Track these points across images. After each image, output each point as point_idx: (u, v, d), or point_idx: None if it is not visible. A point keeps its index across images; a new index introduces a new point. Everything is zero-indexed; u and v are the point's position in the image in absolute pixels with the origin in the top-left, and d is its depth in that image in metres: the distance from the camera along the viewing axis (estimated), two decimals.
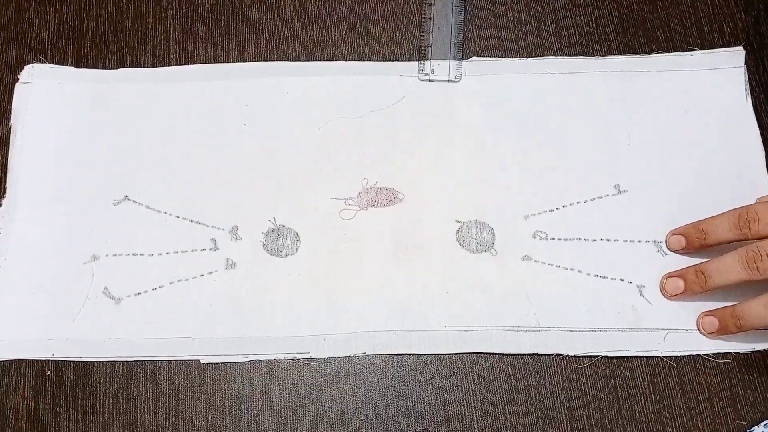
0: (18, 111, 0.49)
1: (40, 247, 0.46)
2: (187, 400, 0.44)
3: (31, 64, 0.51)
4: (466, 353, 0.44)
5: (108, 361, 0.44)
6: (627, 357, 0.44)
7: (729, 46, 0.51)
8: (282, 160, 0.48)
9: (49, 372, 0.44)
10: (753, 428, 0.42)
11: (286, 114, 0.50)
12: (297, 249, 0.46)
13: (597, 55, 0.51)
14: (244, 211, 0.47)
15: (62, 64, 0.51)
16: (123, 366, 0.44)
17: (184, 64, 0.51)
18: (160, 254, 0.46)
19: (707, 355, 0.44)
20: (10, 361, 0.44)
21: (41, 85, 0.50)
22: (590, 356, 0.44)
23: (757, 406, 0.43)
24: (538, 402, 0.43)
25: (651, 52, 0.51)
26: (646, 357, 0.44)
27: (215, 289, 0.45)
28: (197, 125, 0.49)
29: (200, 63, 0.51)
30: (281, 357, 0.44)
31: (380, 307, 0.45)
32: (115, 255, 0.46)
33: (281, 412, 0.43)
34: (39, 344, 0.44)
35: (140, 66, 0.51)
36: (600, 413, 0.43)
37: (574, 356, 0.44)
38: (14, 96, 0.50)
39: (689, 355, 0.44)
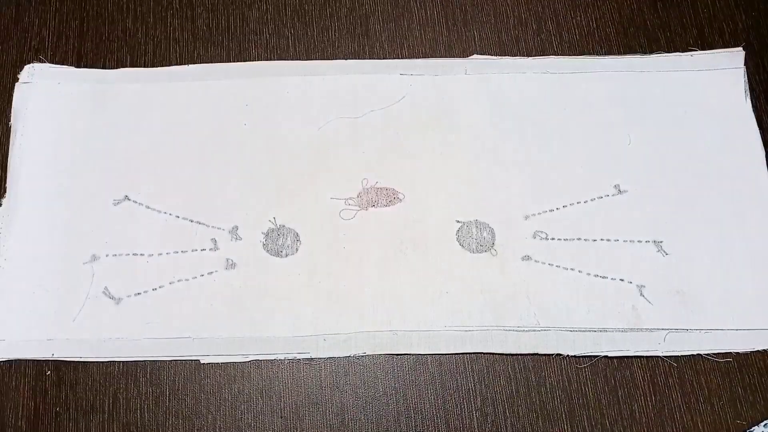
0: (18, 111, 0.49)
1: (40, 247, 0.46)
2: (187, 400, 0.44)
3: (31, 64, 0.51)
4: (466, 353, 0.44)
5: (108, 361, 0.44)
6: (627, 357, 0.44)
7: (729, 46, 0.51)
8: (282, 160, 0.48)
9: (49, 372, 0.44)
10: (753, 428, 0.42)
11: (286, 113, 0.50)
12: (297, 249, 0.46)
13: (597, 55, 0.51)
14: (244, 211, 0.47)
15: (62, 64, 0.51)
16: (123, 366, 0.44)
17: (185, 64, 0.51)
18: (160, 254, 0.46)
19: (707, 355, 0.44)
20: (10, 361, 0.44)
21: (41, 85, 0.50)
22: (590, 356, 0.44)
23: (757, 406, 0.43)
24: (538, 402, 0.43)
25: (651, 52, 0.51)
26: (646, 357, 0.44)
27: (215, 289, 0.45)
28: (197, 125, 0.49)
29: (200, 63, 0.51)
30: (281, 357, 0.44)
31: (380, 307, 0.45)
32: (115, 255, 0.46)
33: (281, 412, 0.43)
34: (39, 344, 0.44)
35: (140, 66, 0.51)
36: (600, 413, 0.43)
37: (574, 356, 0.44)
38: (14, 96, 0.50)
39: (689, 355, 0.44)
